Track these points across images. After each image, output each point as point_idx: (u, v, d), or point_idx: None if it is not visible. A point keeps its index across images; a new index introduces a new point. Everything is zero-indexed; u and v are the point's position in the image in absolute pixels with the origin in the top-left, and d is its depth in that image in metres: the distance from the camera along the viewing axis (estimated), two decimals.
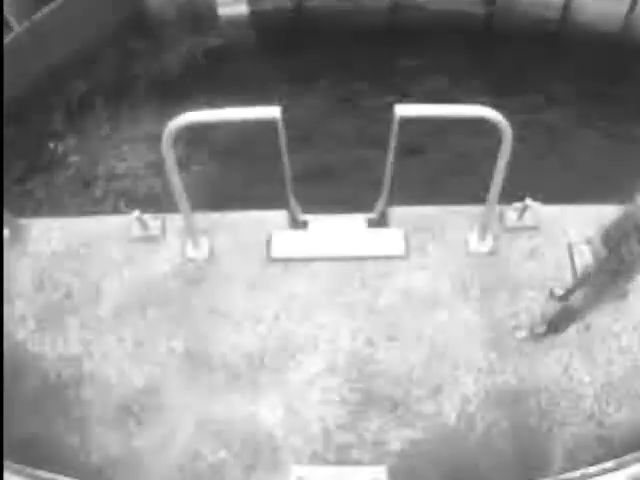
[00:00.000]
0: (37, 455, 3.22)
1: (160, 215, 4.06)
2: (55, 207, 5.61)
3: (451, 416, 3.38)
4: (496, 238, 3.91)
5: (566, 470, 3.11)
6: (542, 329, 3.54)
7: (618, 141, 6.23)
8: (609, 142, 6.23)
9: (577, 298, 3.24)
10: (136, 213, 3.87)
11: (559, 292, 3.61)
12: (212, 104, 3.10)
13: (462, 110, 3.10)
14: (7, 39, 6.13)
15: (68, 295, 3.80)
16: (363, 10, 7.07)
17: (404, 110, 3.04)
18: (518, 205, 3.89)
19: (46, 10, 6.43)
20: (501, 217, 3.98)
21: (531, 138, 5.89)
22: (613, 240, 2.86)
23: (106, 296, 3.79)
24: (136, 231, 3.98)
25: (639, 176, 2.81)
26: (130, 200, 5.70)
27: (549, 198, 3.90)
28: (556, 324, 3.50)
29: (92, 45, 6.89)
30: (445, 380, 3.47)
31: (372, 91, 6.50)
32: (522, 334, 3.55)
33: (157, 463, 3.30)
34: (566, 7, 6.78)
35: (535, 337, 3.56)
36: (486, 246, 3.89)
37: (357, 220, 4.02)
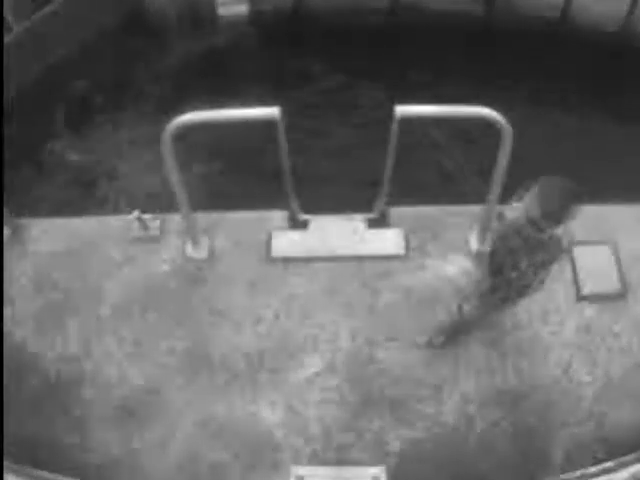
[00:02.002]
0: (37, 455, 3.22)
1: (160, 215, 4.05)
2: (55, 207, 5.60)
3: (451, 416, 3.38)
4: None
5: (566, 470, 3.12)
6: (440, 339, 3.53)
7: (618, 141, 6.22)
8: (609, 142, 6.23)
9: (468, 312, 3.19)
10: (136, 213, 3.87)
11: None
12: (212, 104, 3.10)
13: (462, 110, 3.10)
14: (7, 39, 6.13)
15: (68, 295, 3.80)
16: (363, 10, 7.06)
17: (404, 110, 3.04)
18: (518, 205, 3.88)
19: (46, 10, 6.43)
20: (501, 217, 3.98)
21: (531, 138, 5.89)
22: (498, 265, 2.76)
23: (106, 296, 3.79)
24: (136, 231, 3.98)
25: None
26: (130, 200, 5.70)
27: None
28: (451, 335, 3.49)
29: (92, 45, 6.88)
30: (445, 380, 3.47)
31: (372, 91, 6.50)
32: (441, 339, 3.53)
33: (157, 463, 3.30)
34: (566, 7, 6.78)
35: (435, 345, 3.56)
36: (486, 246, 3.88)
37: (357, 220, 4.02)
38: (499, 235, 2.85)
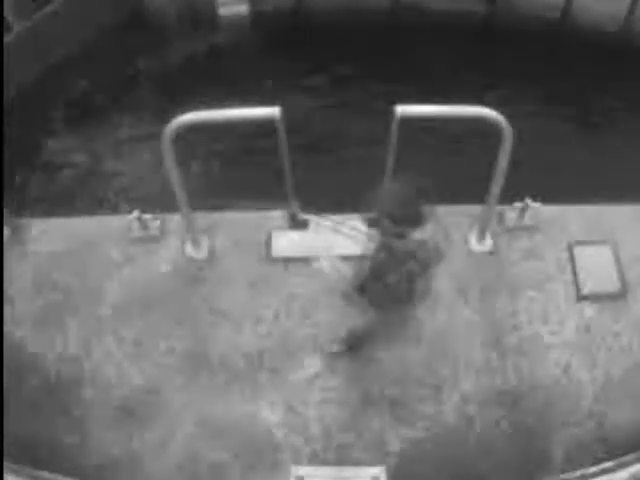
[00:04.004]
0: (37, 455, 3.22)
1: (160, 215, 4.05)
2: (55, 207, 5.60)
3: (451, 416, 3.38)
4: (496, 238, 3.91)
5: (566, 470, 3.12)
6: (337, 348, 3.50)
7: (618, 141, 6.23)
8: (609, 142, 6.24)
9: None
10: (136, 213, 3.87)
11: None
12: (212, 104, 3.10)
13: (462, 111, 3.10)
14: (7, 39, 6.13)
15: (68, 295, 3.80)
16: (363, 10, 7.07)
17: (404, 110, 3.04)
18: (518, 205, 3.89)
19: (46, 10, 6.44)
20: (501, 217, 3.98)
21: (531, 138, 5.89)
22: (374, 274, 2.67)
23: (106, 296, 3.78)
24: (136, 231, 3.98)
25: None
26: (130, 200, 5.70)
27: (549, 198, 3.90)
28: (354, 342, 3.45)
29: (92, 45, 6.90)
30: (445, 380, 3.47)
31: (372, 91, 6.50)
32: (342, 347, 3.49)
33: (157, 463, 3.29)
34: (566, 7, 6.79)
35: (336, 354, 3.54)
36: (486, 246, 3.89)
37: (357, 220, 4.01)
38: (372, 250, 2.74)
